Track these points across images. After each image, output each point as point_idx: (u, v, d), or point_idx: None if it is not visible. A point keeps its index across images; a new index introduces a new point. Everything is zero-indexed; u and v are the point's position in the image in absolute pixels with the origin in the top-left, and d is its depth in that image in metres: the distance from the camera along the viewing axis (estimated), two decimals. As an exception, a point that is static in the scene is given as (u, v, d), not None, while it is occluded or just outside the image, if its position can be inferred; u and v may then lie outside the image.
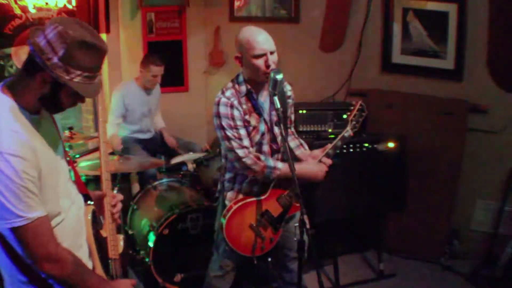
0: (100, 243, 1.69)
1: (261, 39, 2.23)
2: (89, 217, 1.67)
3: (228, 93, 2.31)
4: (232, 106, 2.28)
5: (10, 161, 1.31)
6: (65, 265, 1.45)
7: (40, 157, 1.40)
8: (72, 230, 1.59)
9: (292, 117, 2.63)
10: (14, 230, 1.37)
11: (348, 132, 2.46)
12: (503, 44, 3.40)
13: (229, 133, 2.29)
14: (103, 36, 4.14)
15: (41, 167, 1.40)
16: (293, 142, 2.59)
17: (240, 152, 2.28)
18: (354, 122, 2.49)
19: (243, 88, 2.33)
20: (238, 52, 2.29)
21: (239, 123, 2.29)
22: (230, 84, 2.37)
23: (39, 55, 1.34)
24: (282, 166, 2.32)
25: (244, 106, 2.33)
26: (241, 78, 2.35)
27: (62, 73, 1.35)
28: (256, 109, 2.35)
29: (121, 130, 4.00)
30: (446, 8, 3.54)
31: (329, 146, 2.45)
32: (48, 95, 1.40)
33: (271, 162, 2.32)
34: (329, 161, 2.44)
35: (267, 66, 2.21)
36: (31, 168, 1.36)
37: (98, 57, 1.41)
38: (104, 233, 1.72)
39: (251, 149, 2.31)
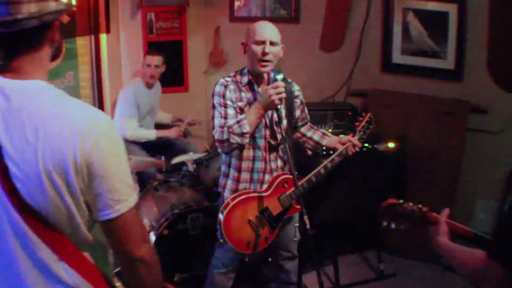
0: None
1: (264, 28, 2.35)
2: None
3: (227, 78, 2.44)
4: (226, 87, 2.38)
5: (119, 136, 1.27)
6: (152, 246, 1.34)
7: None
8: None
9: (308, 116, 2.68)
10: (122, 215, 1.23)
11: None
12: (503, 44, 3.40)
13: (217, 111, 2.36)
14: (103, 36, 4.14)
15: None
16: (315, 134, 2.66)
17: (217, 128, 2.33)
18: (361, 133, 2.57)
19: (245, 79, 2.42)
20: (245, 39, 2.41)
21: (229, 102, 2.36)
22: (232, 73, 2.48)
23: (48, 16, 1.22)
24: (247, 126, 2.25)
25: (243, 94, 2.40)
26: (245, 70, 2.45)
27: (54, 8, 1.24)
28: (255, 100, 2.37)
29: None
30: (446, 8, 3.54)
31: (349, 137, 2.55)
32: (59, 39, 1.30)
33: (238, 129, 2.27)
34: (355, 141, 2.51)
35: (263, 53, 2.31)
36: None
37: None
38: None
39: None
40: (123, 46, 4.37)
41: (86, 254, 1.27)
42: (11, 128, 1.16)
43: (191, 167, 3.60)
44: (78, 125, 1.17)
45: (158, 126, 4.27)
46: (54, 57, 1.31)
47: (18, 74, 1.21)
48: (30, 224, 1.17)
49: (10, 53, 1.21)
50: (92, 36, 4.05)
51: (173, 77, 4.45)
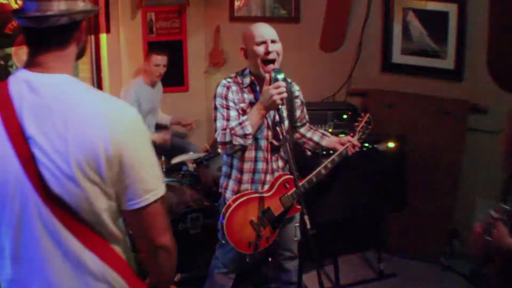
0: None
1: (261, 28, 2.36)
2: None
3: (229, 79, 2.43)
4: (228, 88, 2.38)
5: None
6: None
7: None
8: None
9: (306, 116, 2.68)
10: (150, 204, 1.26)
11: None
12: (503, 44, 3.40)
13: (219, 112, 2.35)
14: (103, 36, 4.14)
15: None
16: (315, 135, 2.66)
17: (219, 131, 2.32)
18: (360, 134, 2.59)
19: (247, 80, 2.42)
20: (243, 44, 2.40)
21: (231, 104, 2.36)
22: (232, 75, 2.48)
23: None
24: (250, 128, 2.25)
25: (245, 95, 2.40)
26: (246, 71, 2.45)
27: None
28: (257, 101, 2.37)
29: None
30: (446, 8, 3.54)
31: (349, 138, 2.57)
32: (85, 39, 1.33)
33: (240, 131, 2.27)
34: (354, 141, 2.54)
35: (266, 53, 2.31)
36: None
37: None
38: None
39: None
40: (123, 46, 4.37)
41: (115, 247, 1.30)
42: (41, 120, 1.16)
43: (191, 167, 3.60)
44: (108, 117, 1.19)
45: (158, 126, 4.28)
46: (79, 57, 1.33)
47: (45, 69, 1.22)
48: (56, 213, 1.19)
49: (38, 48, 1.23)
50: (92, 36, 4.06)
51: (173, 77, 4.46)
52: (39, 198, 1.17)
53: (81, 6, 1.23)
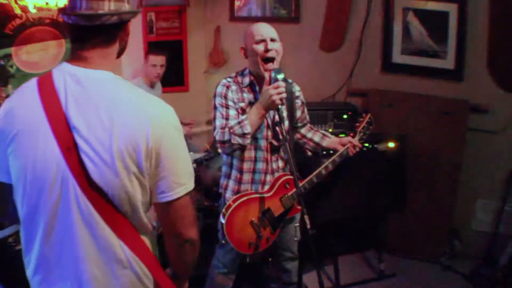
0: None
1: (261, 27, 2.37)
2: None
3: (229, 79, 2.44)
4: (228, 87, 2.39)
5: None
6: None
7: None
8: None
9: (307, 116, 2.67)
10: (181, 198, 1.33)
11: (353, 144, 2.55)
12: (503, 44, 3.40)
13: (218, 111, 2.35)
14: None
15: None
16: (316, 136, 2.66)
17: (218, 129, 2.32)
18: (361, 134, 2.58)
19: (247, 79, 2.42)
20: (243, 43, 2.41)
21: (230, 103, 2.37)
22: (233, 74, 2.48)
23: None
24: (249, 127, 2.25)
25: (245, 95, 2.41)
26: (246, 71, 2.45)
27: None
28: (257, 101, 2.37)
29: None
30: (446, 8, 3.55)
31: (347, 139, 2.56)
32: (127, 40, 1.40)
33: (239, 130, 2.27)
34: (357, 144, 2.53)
35: (266, 50, 2.31)
36: None
37: None
38: None
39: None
40: (123, 46, 4.36)
41: (143, 238, 1.35)
42: (85, 110, 1.23)
43: (191, 167, 3.59)
44: (150, 113, 1.26)
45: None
46: (118, 55, 1.40)
47: (89, 64, 1.28)
48: (93, 201, 1.24)
49: (84, 44, 1.29)
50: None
51: (173, 77, 4.45)
52: (79, 186, 1.23)
53: (127, 7, 1.31)
